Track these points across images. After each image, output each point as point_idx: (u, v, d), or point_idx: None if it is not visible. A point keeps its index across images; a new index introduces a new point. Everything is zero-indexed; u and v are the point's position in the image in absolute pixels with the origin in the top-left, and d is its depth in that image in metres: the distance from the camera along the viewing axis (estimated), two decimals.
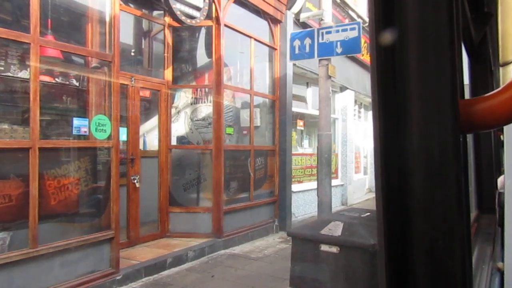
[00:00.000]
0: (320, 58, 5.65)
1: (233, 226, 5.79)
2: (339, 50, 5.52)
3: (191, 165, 5.96)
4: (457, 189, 0.46)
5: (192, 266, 4.80)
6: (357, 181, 11.15)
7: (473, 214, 1.88)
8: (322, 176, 5.59)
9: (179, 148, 5.87)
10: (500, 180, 1.95)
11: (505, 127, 1.43)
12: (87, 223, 3.91)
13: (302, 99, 8.82)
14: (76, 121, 3.73)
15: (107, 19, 4.07)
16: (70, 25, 4.11)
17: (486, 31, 1.60)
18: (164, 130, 5.59)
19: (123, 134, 5.08)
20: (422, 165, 0.46)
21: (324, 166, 5.57)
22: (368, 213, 2.20)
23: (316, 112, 9.44)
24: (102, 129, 3.89)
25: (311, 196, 8.12)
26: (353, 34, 5.44)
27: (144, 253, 4.83)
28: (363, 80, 11.07)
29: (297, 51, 5.83)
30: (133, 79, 5.11)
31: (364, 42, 10.49)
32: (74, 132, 3.71)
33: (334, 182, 9.90)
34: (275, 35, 6.93)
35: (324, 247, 1.87)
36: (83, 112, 3.96)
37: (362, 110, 12.61)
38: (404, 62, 0.46)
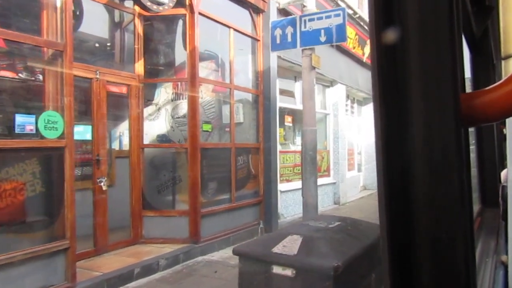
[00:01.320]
0: (303, 47, 5.24)
1: (212, 230, 5.38)
2: (323, 38, 5.11)
3: (166, 165, 5.55)
4: (460, 183, 0.46)
5: (164, 276, 4.39)
6: (350, 179, 10.76)
7: (476, 208, 1.86)
8: (307, 175, 5.19)
9: (152, 147, 5.45)
10: (503, 173, 1.93)
11: (507, 120, 1.38)
12: (36, 233, 3.49)
13: (290, 93, 8.41)
14: (20, 118, 3.30)
15: (58, 4, 3.64)
16: (13, 11, 3.67)
17: (488, 24, 1.57)
18: (136, 127, 5.17)
19: (87, 133, 4.67)
20: (424, 160, 0.45)
21: (309, 164, 5.17)
22: (339, 223, 1.78)
23: None
24: (53, 127, 3.47)
25: (300, 196, 7.72)
26: (338, 21, 5.02)
27: (111, 262, 4.41)
28: (355, 74, 10.67)
29: (278, 41, 5.42)
30: (98, 72, 4.68)
31: (356, 34, 10.08)
32: (17, 130, 3.28)
33: (325, 180, 9.51)
34: (257, 26, 6.51)
35: (276, 269, 1.46)
36: (29, 108, 3.53)
37: (355, 105, 12.21)
38: (405, 56, 0.45)
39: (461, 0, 0.64)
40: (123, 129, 5.73)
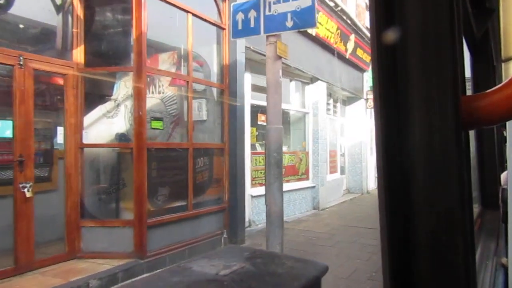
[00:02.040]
0: (267, 34, 4.58)
1: (163, 242, 4.69)
2: (289, 23, 4.46)
3: (109, 168, 4.84)
4: (460, 185, 0.46)
5: None
6: (331, 182, 10.15)
7: (476, 210, 1.85)
8: (270, 180, 4.52)
9: (93, 146, 4.72)
10: (503, 176, 1.93)
11: (507, 123, 1.36)
12: None
13: (264, 90, 7.75)
14: None
15: None
16: None
17: (488, 26, 1.55)
18: (72, 124, 4.46)
19: (7, 130, 3.96)
20: (425, 162, 0.46)
21: (273, 167, 4.51)
22: (243, 265, 1.10)
23: (284, 106, 8.40)
24: None
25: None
26: (306, 3, 4.38)
27: (30, 285, 3.70)
28: (337, 71, 10.06)
29: (240, 27, 4.75)
30: (21, 58, 3.97)
31: (337, 28, 9.49)
32: None
33: (304, 183, 8.87)
34: (223, 12, 5.85)
35: None
36: None
37: (339, 104, 11.62)
38: (405, 58, 0.46)
39: (461, 2, 0.62)
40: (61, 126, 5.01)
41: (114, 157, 4.86)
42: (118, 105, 5.34)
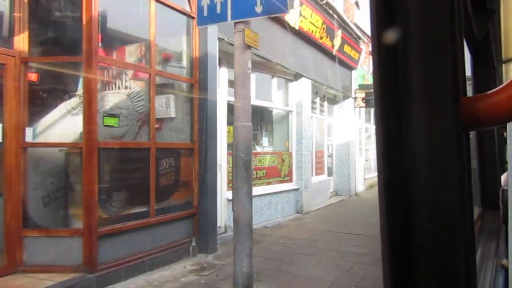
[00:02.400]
0: (235, 20, 4.11)
1: (118, 253, 4.18)
2: (259, 9, 3.99)
3: (56, 170, 4.32)
4: (461, 187, 0.46)
5: None
6: (317, 184, 9.70)
7: (476, 211, 1.87)
8: (238, 184, 4.04)
9: (37, 146, 4.19)
10: (503, 177, 1.93)
11: (508, 124, 1.36)
12: None
13: None
14: None
15: None
16: None
17: (489, 27, 1.57)
18: (12, 120, 3.93)
19: None
20: (425, 163, 0.45)
21: (241, 170, 4.03)
22: None
23: (265, 103, 7.95)
24: None
25: (255, 203, 6.58)
26: None
27: None
28: (323, 68, 9.62)
29: (205, 13, 4.27)
30: None
31: (323, 23, 9.04)
32: None
33: (287, 186, 8.41)
34: (192, 0, 5.36)
35: None
36: None
37: (326, 103, 11.18)
38: (406, 59, 0.46)
39: (462, 3, 0.59)
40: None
41: (62, 158, 4.34)
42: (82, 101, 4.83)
